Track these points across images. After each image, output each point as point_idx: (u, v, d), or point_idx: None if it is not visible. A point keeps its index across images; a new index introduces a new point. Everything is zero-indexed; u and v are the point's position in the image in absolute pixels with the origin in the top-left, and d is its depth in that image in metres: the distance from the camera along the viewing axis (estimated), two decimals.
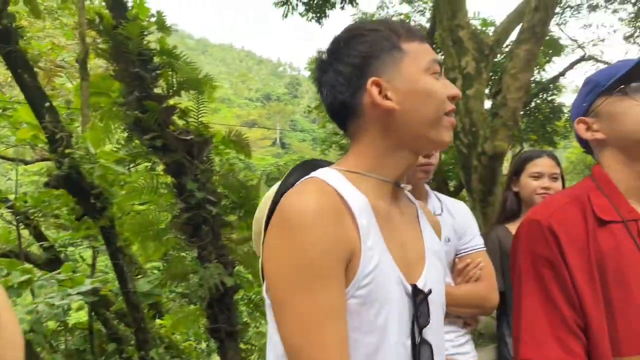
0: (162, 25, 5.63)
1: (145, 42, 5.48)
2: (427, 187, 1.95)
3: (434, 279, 1.09)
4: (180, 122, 5.53)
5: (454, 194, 9.30)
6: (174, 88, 5.51)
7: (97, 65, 8.24)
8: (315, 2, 6.98)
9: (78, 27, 4.92)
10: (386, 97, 1.02)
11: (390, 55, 1.03)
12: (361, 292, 0.95)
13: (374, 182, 1.05)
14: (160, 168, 5.41)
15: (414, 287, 1.02)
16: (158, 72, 5.46)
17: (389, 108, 1.02)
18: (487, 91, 6.57)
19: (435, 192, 2.00)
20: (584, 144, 1.31)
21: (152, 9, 6.04)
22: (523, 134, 10.07)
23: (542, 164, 2.39)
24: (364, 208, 0.99)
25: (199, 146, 5.30)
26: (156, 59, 5.54)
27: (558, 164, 2.44)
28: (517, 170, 2.46)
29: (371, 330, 0.95)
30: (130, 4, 5.70)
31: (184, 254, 5.44)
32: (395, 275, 1.00)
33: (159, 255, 5.43)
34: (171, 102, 5.44)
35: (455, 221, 1.90)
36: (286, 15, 7.10)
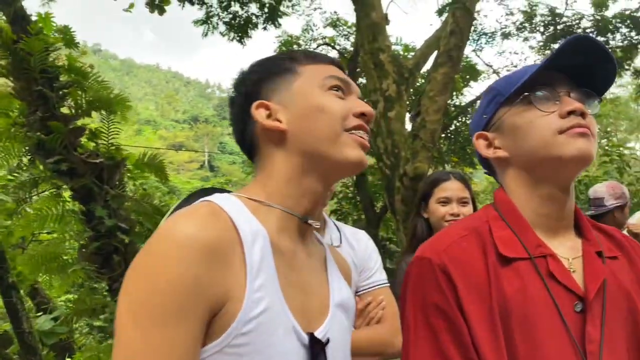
0: (69, 42, 5.28)
1: (51, 59, 5.11)
2: (325, 215, 1.76)
3: (337, 330, 0.95)
4: (91, 145, 5.18)
5: (380, 216, 9.36)
6: (83, 108, 5.16)
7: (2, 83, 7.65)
8: (236, 21, 6.86)
9: None
10: (276, 120, 0.95)
11: (283, 78, 0.98)
12: (241, 340, 0.80)
13: (277, 213, 0.93)
14: (66, 194, 5.02)
15: (311, 336, 0.88)
16: (65, 90, 5.10)
17: (278, 129, 0.94)
18: (407, 114, 6.67)
19: (334, 221, 1.80)
20: (486, 163, 1.12)
21: (68, 25, 5.68)
22: (444, 156, 10.36)
23: (449, 188, 2.21)
24: (259, 241, 0.86)
25: (110, 170, 4.96)
26: (63, 77, 5.18)
27: (467, 186, 2.28)
28: (425, 194, 2.28)
29: None
30: (34, 18, 5.32)
31: (95, 285, 5.05)
32: (288, 323, 0.86)
33: (66, 289, 4.99)
34: (79, 122, 5.08)
35: (355, 253, 1.69)
36: (206, 34, 6.92)
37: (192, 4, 6.55)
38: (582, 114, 0.98)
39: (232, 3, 6.84)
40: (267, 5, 6.82)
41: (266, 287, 0.84)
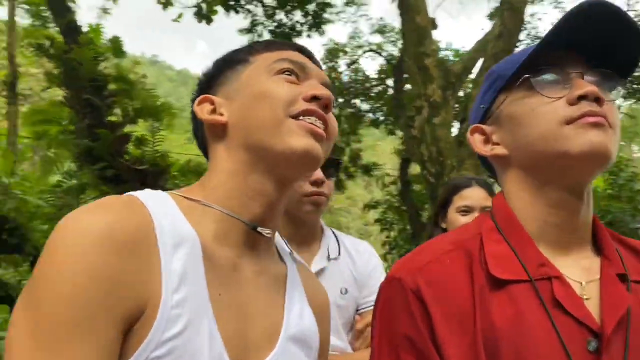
0: (118, 51, 5.44)
1: (100, 68, 5.27)
2: (323, 224, 1.58)
3: None
4: (137, 152, 5.30)
5: (426, 226, 9.13)
6: (130, 116, 5.29)
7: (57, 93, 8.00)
8: (281, 30, 6.88)
9: (8, 47, 4.68)
10: (219, 114, 0.84)
11: (234, 70, 0.87)
12: None
13: (216, 215, 0.78)
14: None
15: None
16: (113, 99, 5.25)
17: (218, 122, 0.83)
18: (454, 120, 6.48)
19: (334, 231, 1.62)
20: (486, 162, 0.94)
21: (118, 36, 5.85)
22: None
23: (471, 196, 1.95)
24: (184, 246, 0.71)
25: (155, 176, 5.05)
26: (112, 86, 5.33)
27: (492, 194, 2.01)
28: (444, 202, 2.02)
29: None
30: (86, 29, 5.51)
31: None
32: (215, 351, 0.69)
33: None
34: (126, 130, 5.21)
35: (356, 267, 1.52)
36: None
37: (237, 12, 6.63)
38: (598, 100, 0.78)
39: (277, 11, 6.87)
40: (312, 12, 6.81)
41: (189, 303, 0.68)
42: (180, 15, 7.83)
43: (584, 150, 0.76)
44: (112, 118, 5.22)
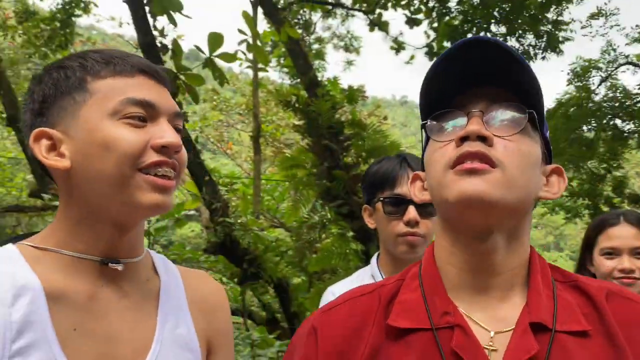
0: (352, 99, 5.97)
1: (337, 116, 5.86)
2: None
3: None
4: None
5: None
6: (363, 156, 5.71)
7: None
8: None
9: (253, 107, 5.53)
10: (59, 154, 0.81)
11: (70, 98, 0.81)
12: None
13: (67, 260, 0.82)
14: (350, 234, 5.57)
15: None
16: (348, 142, 5.75)
17: (59, 167, 0.81)
18: None
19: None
20: None
21: (352, 86, 6.48)
22: None
23: (618, 235, 1.65)
24: (25, 296, 0.76)
25: None
26: (347, 130, 5.86)
27: None
28: (589, 243, 1.73)
29: None
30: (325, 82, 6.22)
31: None
32: None
33: None
34: (359, 170, 5.63)
35: None
36: None
37: None
38: (485, 139, 0.73)
39: (508, 38, 6.63)
40: (544, 33, 6.36)
41: (33, 347, 0.74)
42: (412, 57, 8.19)
43: (456, 199, 0.74)
44: (347, 159, 5.71)
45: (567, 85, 9.55)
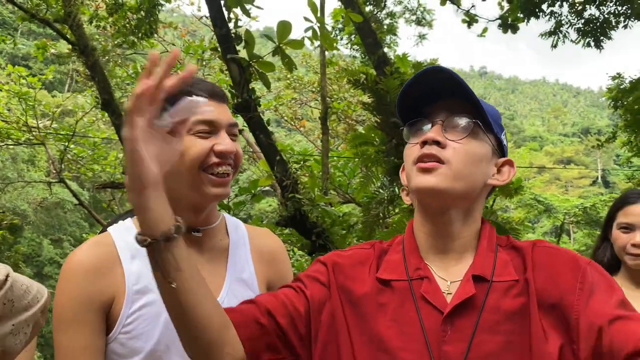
0: None
1: None
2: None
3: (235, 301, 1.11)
4: None
5: None
6: None
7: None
8: (590, 27, 6.30)
9: (320, 89, 5.68)
10: None
11: None
12: (127, 328, 1.13)
13: None
14: None
15: None
16: None
17: None
18: None
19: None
20: None
21: (420, 61, 6.49)
22: None
23: (633, 213, 1.82)
24: (139, 256, 1.15)
25: None
26: None
27: None
28: (610, 216, 1.92)
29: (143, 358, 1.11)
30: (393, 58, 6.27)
31: None
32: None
33: None
34: None
35: None
36: (555, 45, 6.60)
37: (538, 17, 6.39)
38: (438, 143, 1.01)
39: (587, 6, 6.33)
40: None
41: (146, 289, 1.13)
42: (484, 30, 8.00)
43: (416, 189, 1.04)
44: None
45: None
